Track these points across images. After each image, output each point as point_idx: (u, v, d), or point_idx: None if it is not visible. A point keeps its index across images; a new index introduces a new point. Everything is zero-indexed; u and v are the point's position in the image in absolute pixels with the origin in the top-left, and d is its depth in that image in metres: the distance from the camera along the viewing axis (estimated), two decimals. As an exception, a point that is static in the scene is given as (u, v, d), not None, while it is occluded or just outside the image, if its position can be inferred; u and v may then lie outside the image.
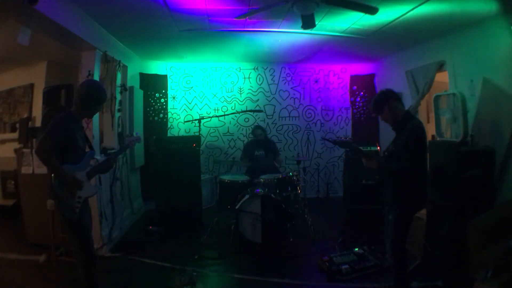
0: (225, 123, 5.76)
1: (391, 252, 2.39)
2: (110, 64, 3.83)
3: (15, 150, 3.78)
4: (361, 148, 2.82)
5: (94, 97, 2.31)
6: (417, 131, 2.27)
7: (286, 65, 5.86)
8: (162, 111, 5.49)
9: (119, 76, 4.09)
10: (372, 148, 4.92)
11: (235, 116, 5.73)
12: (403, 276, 2.34)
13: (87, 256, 2.24)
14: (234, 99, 5.79)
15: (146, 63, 5.37)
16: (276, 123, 5.89)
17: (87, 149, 2.38)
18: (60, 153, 2.11)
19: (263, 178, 3.91)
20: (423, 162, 2.34)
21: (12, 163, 4.18)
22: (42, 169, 3.50)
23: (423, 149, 2.31)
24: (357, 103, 5.86)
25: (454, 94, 3.71)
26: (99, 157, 3.22)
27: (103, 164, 2.44)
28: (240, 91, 5.80)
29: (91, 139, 3.54)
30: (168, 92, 5.55)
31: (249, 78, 5.82)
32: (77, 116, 2.30)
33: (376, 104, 2.48)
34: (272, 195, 3.63)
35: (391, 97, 2.43)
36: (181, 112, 5.69)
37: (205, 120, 5.17)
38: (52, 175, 2.15)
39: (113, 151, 3.21)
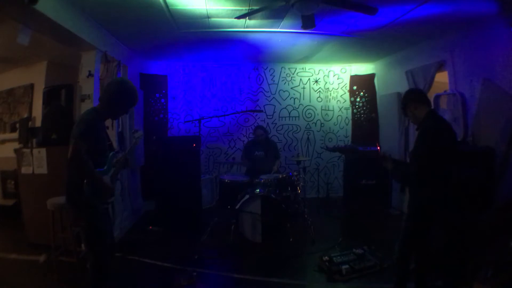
0: (225, 123, 5.76)
1: (397, 254, 2.39)
2: (110, 64, 3.83)
3: (15, 150, 3.78)
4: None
5: (127, 98, 2.17)
6: (426, 133, 2.20)
7: (286, 65, 5.85)
8: (162, 111, 5.49)
9: (119, 76, 4.08)
10: (372, 149, 4.92)
11: (235, 116, 5.73)
12: (402, 279, 2.34)
13: (102, 264, 2.13)
14: (234, 99, 5.79)
15: (146, 63, 5.37)
16: (276, 123, 5.88)
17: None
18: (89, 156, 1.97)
19: (263, 178, 3.91)
20: (434, 167, 2.15)
21: (12, 163, 4.18)
22: (42, 169, 3.50)
23: (432, 153, 2.15)
24: (357, 103, 5.86)
25: (454, 94, 3.73)
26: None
27: (120, 163, 2.32)
28: (240, 91, 5.80)
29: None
30: (168, 92, 5.55)
31: (249, 78, 5.82)
32: (103, 115, 2.17)
33: (401, 107, 2.51)
34: (272, 195, 3.63)
35: (410, 99, 2.42)
36: (181, 112, 5.69)
37: (205, 120, 5.16)
38: (85, 181, 1.98)
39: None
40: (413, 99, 2.42)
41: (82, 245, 3.11)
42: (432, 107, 2.46)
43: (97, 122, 2.10)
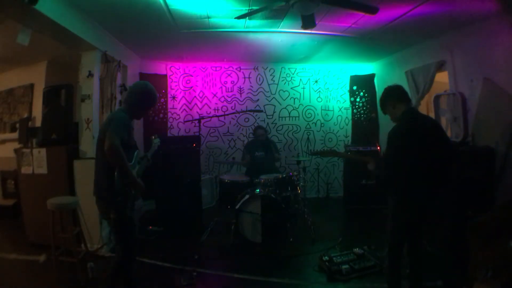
0: (225, 123, 5.75)
1: (386, 261, 2.38)
2: (110, 64, 3.83)
3: (15, 150, 3.78)
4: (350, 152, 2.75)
5: (150, 98, 2.34)
6: (389, 137, 2.23)
7: (286, 65, 5.85)
8: (162, 111, 5.49)
9: (119, 76, 4.08)
10: (372, 149, 4.92)
11: (235, 116, 5.73)
12: (394, 280, 2.34)
13: (130, 256, 2.25)
14: (234, 99, 5.79)
15: (146, 63, 5.37)
16: (276, 123, 5.88)
17: None
18: None
19: (263, 178, 3.91)
20: (400, 171, 2.16)
21: (12, 163, 4.18)
22: (42, 169, 3.50)
23: (394, 157, 2.17)
24: (357, 103, 5.86)
25: (454, 94, 3.73)
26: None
27: (143, 163, 2.43)
28: (240, 91, 5.80)
29: (91, 139, 3.55)
30: (168, 92, 5.55)
31: (249, 78, 5.81)
32: (129, 115, 2.29)
33: (380, 104, 2.47)
34: (272, 195, 3.63)
35: (389, 97, 2.39)
36: (181, 112, 5.69)
37: (205, 120, 5.16)
38: (116, 173, 2.06)
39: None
40: (391, 97, 2.37)
41: (82, 245, 3.12)
42: (412, 105, 2.36)
43: (126, 120, 2.21)
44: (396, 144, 2.21)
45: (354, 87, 5.86)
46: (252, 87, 5.82)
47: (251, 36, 4.08)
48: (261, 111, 5.64)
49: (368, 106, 5.80)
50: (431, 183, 2.16)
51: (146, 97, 2.34)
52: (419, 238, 2.36)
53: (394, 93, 2.39)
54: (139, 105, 2.33)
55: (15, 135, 4.73)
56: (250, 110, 5.48)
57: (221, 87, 5.76)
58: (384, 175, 2.30)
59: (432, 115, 4.15)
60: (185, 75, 5.69)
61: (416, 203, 2.18)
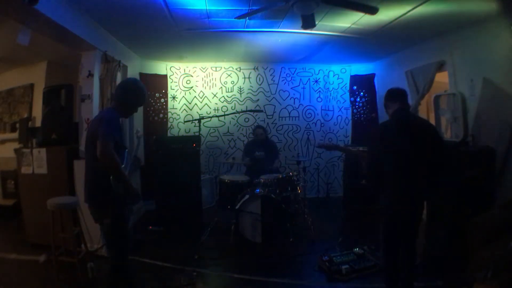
0: (225, 123, 5.75)
1: (383, 262, 2.40)
2: (110, 64, 3.83)
3: (15, 150, 3.78)
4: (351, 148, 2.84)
5: (142, 96, 2.27)
6: (371, 134, 2.32)
7: (286, 65, 5.85)
8: (162, 111, 5.49)
9: (119, 76, 4.08)
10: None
11: (235, 116, 5.72)
12: (388, 277, 2.34)
13: (124, 258, 2.20)
14: (234, 99, 5.79)
15: (146, 63, 5.37)
16: (276, 123, 5.88)
17: None
18: None
19: (263, 178, 3.91)
20: (380, 166, 2.26)
21: (12, 163, 4.18)
22: (42, 169, 3.50)
23: (375, 153, 2.29)
24: (357, 103, 5.86)
25: (454, 94, 3.72)
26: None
27: (133, 163, 2.38)
28: (240, 91, 5.80)
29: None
30: (168, 92, 5.55)
31: (249, 78, 5.81)
32: (119, 114, 2.23)
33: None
34: (272, 195, 3.63)
35: (385, 99, 2.46)
36: (181, 112, 5.69)
37: (205, 120, 5.16)
38: (111, 177, 2.00)
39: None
40: (386, 98, 2.43)
41: (82, 245, 3.12)
42: (402, 105, 2.37)
43: (118, 120, 2.16)
44: (376, 141, 2.31)
45: (354, 87, 5.86)
46: (252, 87, 5.82)
47: (251, 36, 4.08)
48: (261, 111, 5.63)
49: (368, 106, 5.80)
50: (415, 183, 2.21)
51: (137, 95, 2.26)
52: (413, 238, 2.36)
53: (388, 93, 2.46)
54: (130, 103, 2.25)
55: (15, 135, 4.73)
56: (250, 110, 5.47)
57: (221, 87, 5.76)
58: (368, 171, 2.38)
59: (432, 115, 4.14)
60: (185, 75, 5.69)
61: (402, 199, 2.23)
